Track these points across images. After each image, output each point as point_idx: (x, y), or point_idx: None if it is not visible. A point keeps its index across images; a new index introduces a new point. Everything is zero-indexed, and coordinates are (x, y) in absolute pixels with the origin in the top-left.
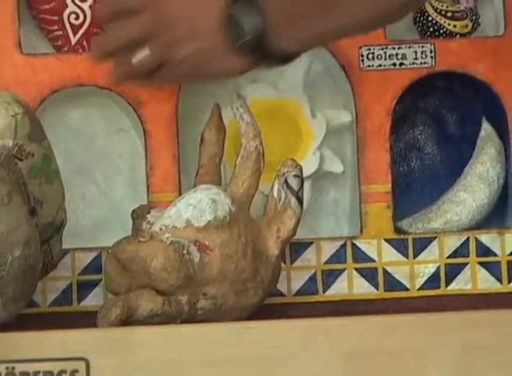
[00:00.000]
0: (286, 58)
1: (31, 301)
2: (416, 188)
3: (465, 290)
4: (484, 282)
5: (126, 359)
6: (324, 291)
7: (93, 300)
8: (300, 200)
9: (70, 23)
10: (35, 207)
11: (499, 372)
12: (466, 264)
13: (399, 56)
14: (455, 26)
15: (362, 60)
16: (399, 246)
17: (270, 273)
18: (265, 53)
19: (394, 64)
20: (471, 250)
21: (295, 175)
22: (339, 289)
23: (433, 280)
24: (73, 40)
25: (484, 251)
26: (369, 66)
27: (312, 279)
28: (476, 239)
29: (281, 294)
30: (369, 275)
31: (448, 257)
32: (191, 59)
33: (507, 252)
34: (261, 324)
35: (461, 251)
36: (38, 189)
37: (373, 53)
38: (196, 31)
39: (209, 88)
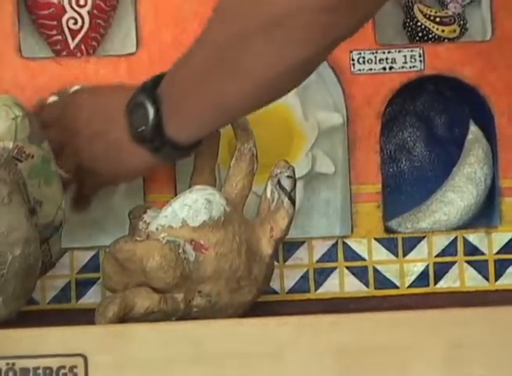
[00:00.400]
0: (186, 149)
1: (31, 298)
2: (405, 188)
3: (453, 288)
4: (472, 280)
5: (123, 355)
6: (316, 289)
7: (91, 298)
8: (292, 201)
9: (68, 27)
10: (35, 207)
11: (486, 368)
12: (455, 263)
13: (389, 60)
14: (443, 31)
15: (353, 64)
16: (389, 245)
17: (264, 272)
18: (163, 142)
19: (384, 68)
20: (459, 249)
21: (288, 176)
22: (330, 287)
23: (422, 279)
24: (72, 44)
25: (471, 250)
26: (359, 70)
27: (304, 277)
28: (464, 238)
29: (274, 292)
30: (360, 273)
31: (437, 256)
32: (99, 157)
33: (494, 251)
34: (254, 321)
35: (449, 250)
36: (38, 189)
37: (364, 57)
38: (103, 130)
39: None
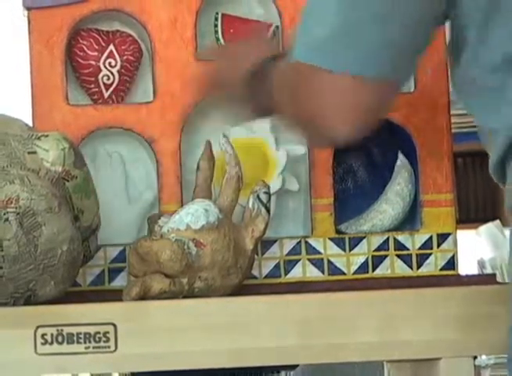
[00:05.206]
0: None
1: (75, 282)
2: (351, 201)
3: (386, 274)
4: (400, 269)
5: (143, 324)
6: (285, 275)
7: (119, 281)
8: (268, 210)
9: (103, 82)
10: (78, 215)
11: (411, 334)
12: (387, 256)
13: None
14: None
15: None
16: (339, 243)
17: (247, 262)
18: None
19: None
20: (391, 246)
21: (265, 192)
22: (296, 274)
23: (363, 267)
24: (106, 95)
25: (400, 246)
26: None
27: (277, 266)
28: (394, 238)
29: (254, 277)
30: (318, 263)
31: (374, 250)
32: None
33: (416, 247)
34: (240, 299)
35: (383, 246)
36: (80, 202)
37: None
38: None
39: (203, 129)
